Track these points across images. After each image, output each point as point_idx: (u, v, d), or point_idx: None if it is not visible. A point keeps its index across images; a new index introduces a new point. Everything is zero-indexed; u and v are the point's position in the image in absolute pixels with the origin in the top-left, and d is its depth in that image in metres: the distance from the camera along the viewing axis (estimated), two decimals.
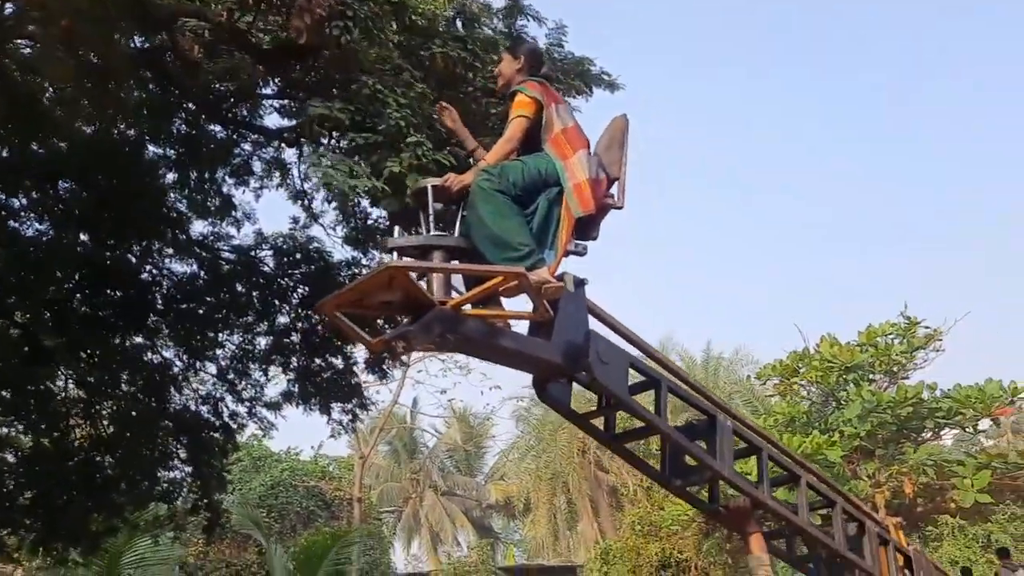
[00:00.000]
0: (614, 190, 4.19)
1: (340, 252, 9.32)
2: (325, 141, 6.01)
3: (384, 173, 4.90)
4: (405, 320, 3.78)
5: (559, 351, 3.99)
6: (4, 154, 9.10)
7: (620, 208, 4.17)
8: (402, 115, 4.89)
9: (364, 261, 9.40)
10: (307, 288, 9.60)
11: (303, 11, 4.33)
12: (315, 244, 9.53)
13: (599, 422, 4.64)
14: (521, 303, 4.10)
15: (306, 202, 9.30)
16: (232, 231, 9.51)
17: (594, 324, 4.27)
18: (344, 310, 3.79)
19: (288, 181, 9.37)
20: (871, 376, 14.74)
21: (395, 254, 3.70)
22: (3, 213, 9.36)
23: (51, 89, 8.49)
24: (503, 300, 4.04)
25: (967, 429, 14.42)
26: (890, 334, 14.43)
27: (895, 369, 14.43)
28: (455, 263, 3.78)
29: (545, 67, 4.47)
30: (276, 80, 6.77)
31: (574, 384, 4.38)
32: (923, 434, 14.16)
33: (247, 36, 5.65)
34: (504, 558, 34.10)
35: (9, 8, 7.80)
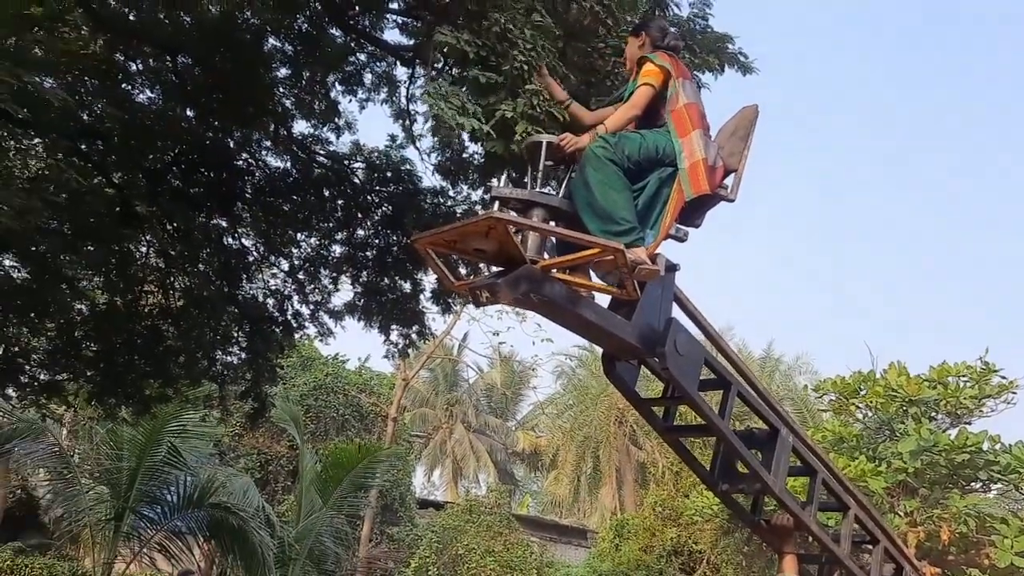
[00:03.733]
0: (729, 181, 4.04)
1: (429, 179, 9.33)
2: (440, 68, 5.94)
3: (496, 115, 4.81)
4: (493, 271, 3.75)
5: (637, 333, 3.93)
6: (132, 17, 9.25)
7: (732, 201, 4.03)
8: (527, 59, 4.76)
9: (452, 193, 9.40)
10: (391, 207, 9.66)
11: None
12: (407, 166, 9.55)
13: (658, 411, 4.58)
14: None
15: (407, 122, 9.28)
16: (331, 136, 9.58)
17: (676, 312, 4.18)
18: (437, 249, 3.77)
19: (394, 99, 9.35)
20: (932, 414, 14.28)
21: (497, 203, 3.63)
22: (120, 75, 9.58)
23: None
24: (591, 270, 3.98)
25: (1020, 489, 13.92)
26: (963, 375, 13.92)
27: (960, 412, 13.94)
28: (553, 224, 3.72)
29: (670, 39, 4.26)
30: None
31: (642, 368, 4.32)
32: (973, 484, 13.73)
33: None
34: (519, 506, 34.62)
35: None
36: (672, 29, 4.66)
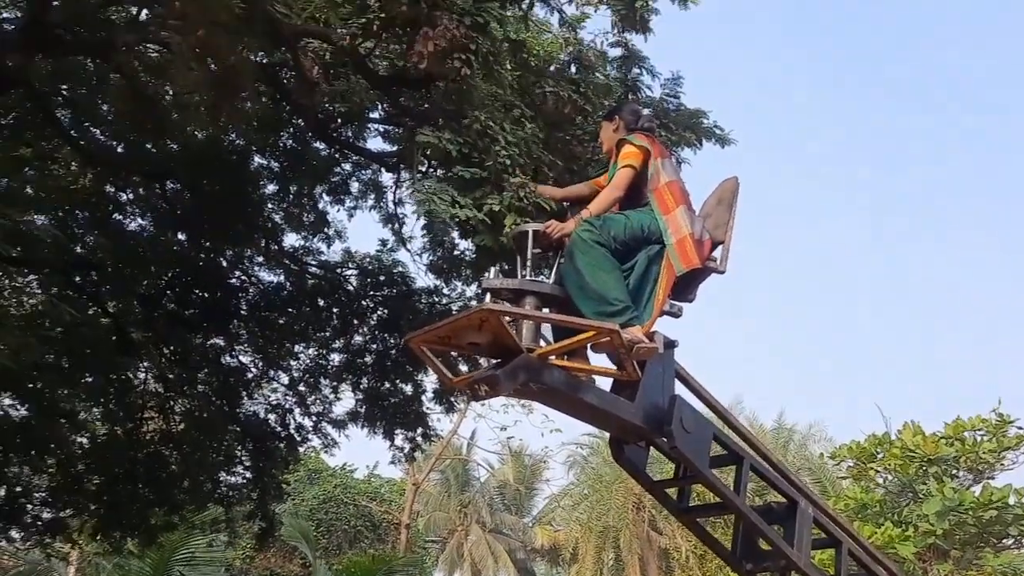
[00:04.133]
0: (717, 253, 4.06)
1: (423, 279, 9.38)
2: (424, 170, 6.05)
3: (483, 209, 4.88)
4: (491, 363, 3.72)
5: (642, 413, 3.87)
6: (119, 149, 9.47)
7: (722, 273, 4.04)
8: (509, 153, 4.87)
9: (446, 291, 9.44)
10: (386, 310, 9.68)
11: (427, 39, 4.36)
12: (399, 268, 9.62)
13: (672, 492, 4.47)
14: (605, 359, 4.00)
15: (396, 226, 9.40)
16: (322, 247, 9.69)
17: (680, 390, 4.13)
18: (431, 346, 3.75)
19: (382, 204, 9.51)
20: (953, 472, 13.98)
21: (488, 295, 3.64)
22: (111, 206, 9.75)
23: (171, 93, 8.86)
24: (589, 355, 3.95)
25: None
26: (979, 430, 13.69)
27: (981, 468, 13.65)
28: (546, 311, 3.71)
29: (643, 121, 4.36)
30: (386, 106, 6.87)
31: (652, 450, 4.23)
32: (1005, 540, 13.33)
33: (366, 62, 5.74)
34: None
35: (145, 14, 8.19)
36: (645, 111, 4.79)
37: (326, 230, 9.51)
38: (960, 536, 12.84)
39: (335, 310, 10.00)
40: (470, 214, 4.45)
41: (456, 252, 8.79)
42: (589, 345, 3.68)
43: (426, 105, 5.99)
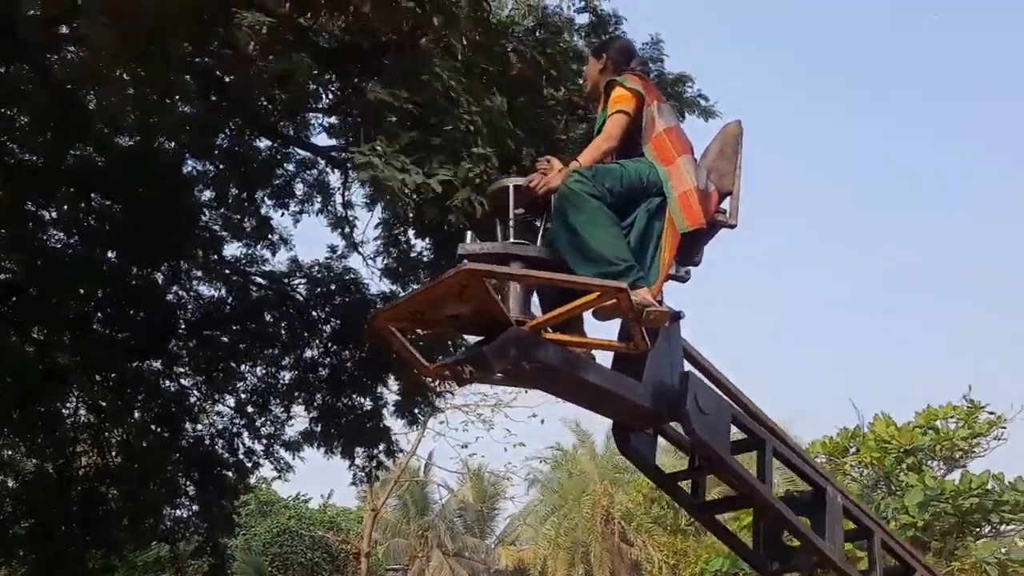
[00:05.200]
0: (725, 205, 3.54)
1: (377, 285, 8.75)
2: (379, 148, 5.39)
3: (433, 179, 4.30)
4: (471, 344, 3.13)
5: (651, 393, 3.32)
6: (39, 162, 8.70)
7: (733, 227, 3.52)
8: (472, 119, 4.30)
9: (402, 296, 8.83)
10: (339, 321, 9.04)
11: None
12: (351, 275, 8.99)
13: (685, 485, 3.92)
14: (600, 330, 3.44)
15: (347, 230, 8.78)
16: (267, 254, 9.02)
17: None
18: (400, 324, 3.15)
19: (330, 207, 8.89)
20: (929, 461, 13.76)
21: (465, 263, 3.03)
22: (31, 224, 8.95)
23: (94, 97, 8.14)
24: (586, 329, 3.39)
25: None
26: (951, 417, 13.50)
27: (956, 456, 13.45)
28: (538, 272, 3.12)
29: (635, 62, 3.79)
30: (333, 89, 6.24)
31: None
32: (981, 528, 13.11)
33: (307, 34, 5.13)
34: None
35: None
36: (638, 51, 4.23)
37: (270, 236, 8.84)
38: (940, 527, 12.56)
39: (283, 323, 9.33)
40: (419, 180, 3.87)
41: (413, 253, 8.21)
42: (590, 313, 3.10)
43: (375, 78, 5.37)
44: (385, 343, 3.27)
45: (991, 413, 13.39)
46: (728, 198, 3.54)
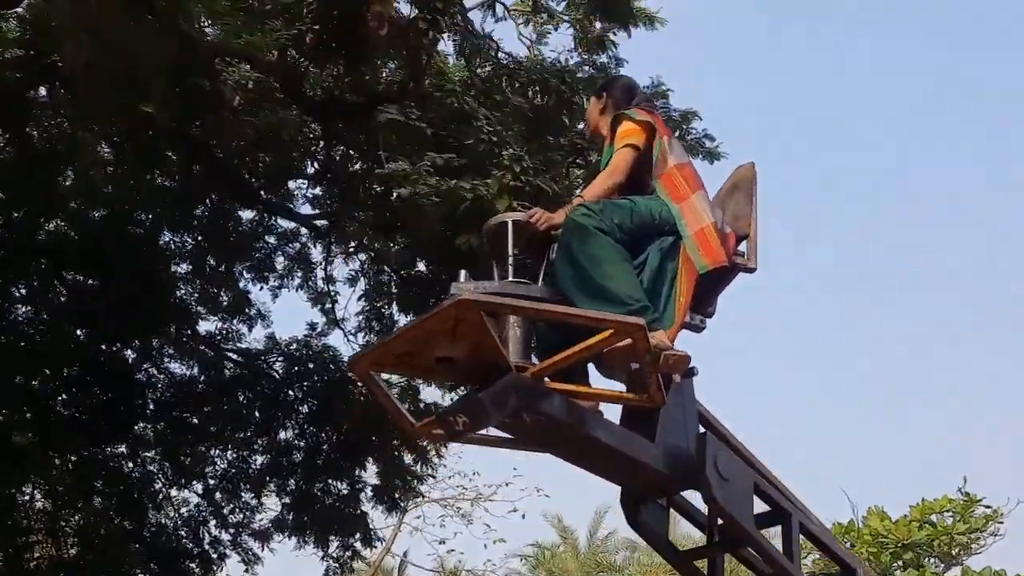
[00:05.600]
0: (742, 248, 3.25)
1: None
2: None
3: (469, 199, 3.99)
4: (466, 391, 2.78)
5: (664, 456, 2.94)
6: (12, 236, 8.43)
7: (753, 270, 3.23)
8: (494, 130, 4.03)
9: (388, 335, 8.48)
10: (316, 401, 8.64)
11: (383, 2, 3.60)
12: (331, 352, 8.61)
13: (702, 565, 3.50)
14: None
15: (328, 305, 8.47)
16: (243, 329, 8.64)
17: None
18: (384, 370, 2.80)
19: (311, 282, 8.63)
20: (927, 557, 13.22)
21: (459, 294, 2.68)
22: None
23: (69, 166, 7.94)
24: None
25: None
26: (947, 510, 13.05)
27: (954, 551, 12.92)
28: (544, 304, 2.77)
29: (639, 98, 3.55)
30: (319, 153, 6.02)
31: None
32: None
33: (298, 84, 4.93)
34: None
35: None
36: (641, 89, 4.01)
37: (247, 310, 8.49)
38: None
39: (257, 404, 8.89)
40: (465, 187, 3.55)
41: (396, 327, 7.89)
42: (604, 353, 2.75)
43: (368, 140, 5.16)
44: (367, 389, 2.90)
45: (987, 507, 12.99)
46: (745, 241, 3.27)
